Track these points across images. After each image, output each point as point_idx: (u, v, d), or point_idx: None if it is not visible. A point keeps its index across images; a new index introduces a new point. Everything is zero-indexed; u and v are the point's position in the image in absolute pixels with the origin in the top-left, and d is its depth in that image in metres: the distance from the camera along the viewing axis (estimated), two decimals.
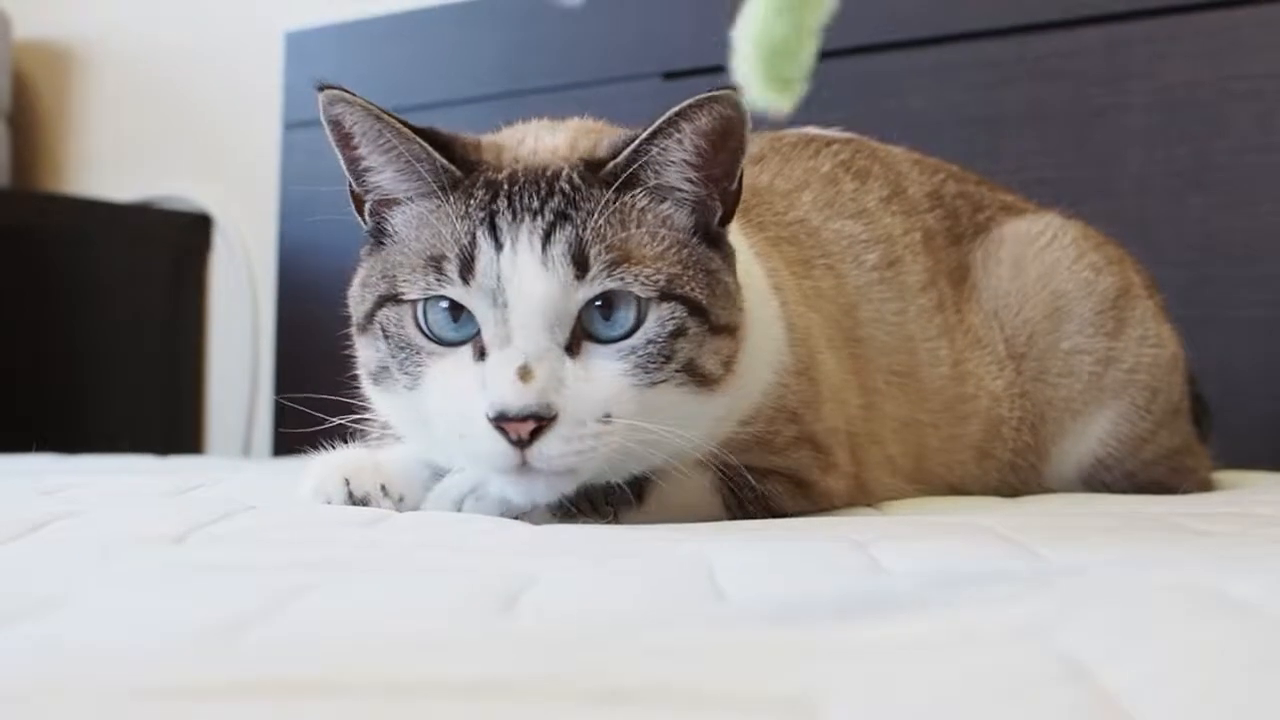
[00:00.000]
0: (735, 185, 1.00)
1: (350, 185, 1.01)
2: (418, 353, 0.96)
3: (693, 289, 0.96)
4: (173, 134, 2.86)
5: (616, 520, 0.99)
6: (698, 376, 0.97)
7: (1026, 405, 1.33)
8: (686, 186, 0.98)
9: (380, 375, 0.99)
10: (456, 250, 0.94)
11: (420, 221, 0.97)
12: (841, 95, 2.03)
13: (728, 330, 0.98)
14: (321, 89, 0.96)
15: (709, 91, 0.94)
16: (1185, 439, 1.40)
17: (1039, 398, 1.33)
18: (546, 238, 0.93)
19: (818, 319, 1.18)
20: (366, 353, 1.00)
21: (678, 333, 0.95)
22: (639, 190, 0.97)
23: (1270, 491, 1.35)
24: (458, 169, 0.97)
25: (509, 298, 0.92)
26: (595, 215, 0.94)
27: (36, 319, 2.80)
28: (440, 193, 0.97)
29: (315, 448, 1.07)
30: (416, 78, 2.39)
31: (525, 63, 2.29)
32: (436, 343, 0.95)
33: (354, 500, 1.02)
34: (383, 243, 1.00)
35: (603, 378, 0.93)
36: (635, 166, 0.96)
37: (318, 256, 2.47)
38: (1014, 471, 1.33)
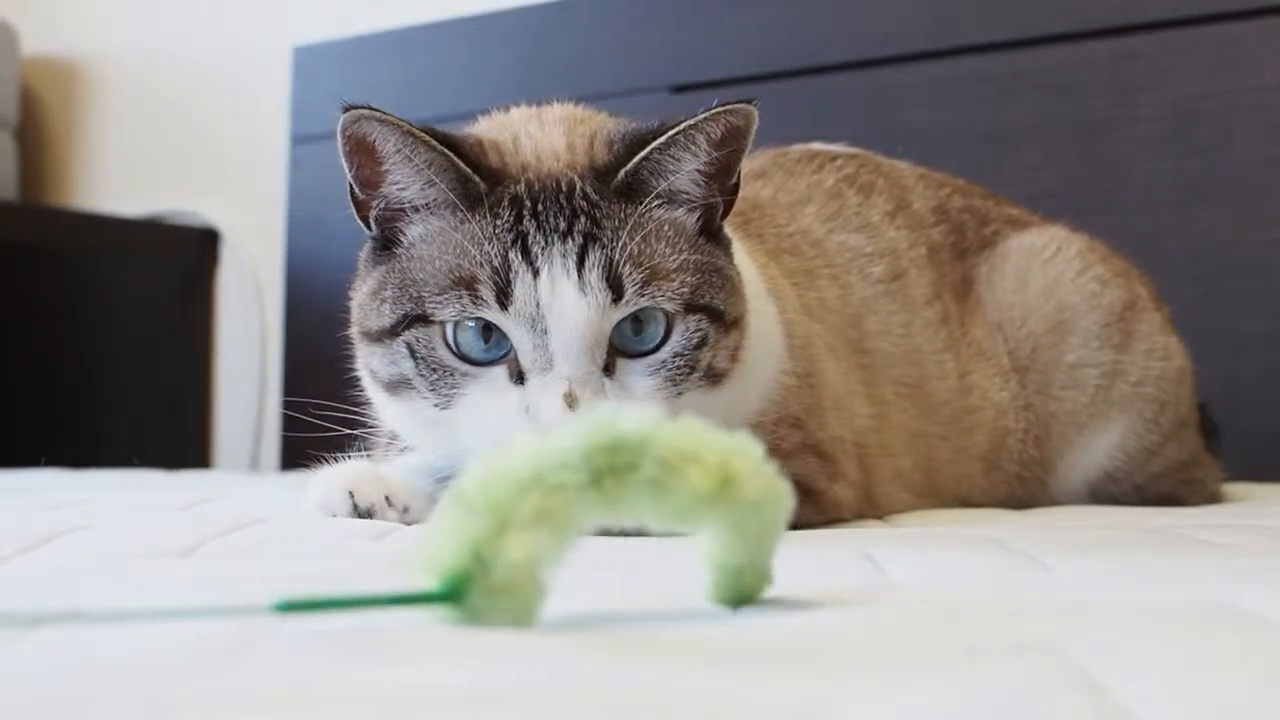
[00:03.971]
0: (735, 180, 1.01)
1: (352, 192, 1.00)
2: (451, 374, 0.95)
3: (712, 296, 0.97)
4: (180, 149, 2.87)
5: (623, 532, 0.99)
6: (712, 376, 0.98)
7: (1031, 418, 1.33)
8: (695, 190, 0.99)
9: (399, 387, 0.98)
10: (489, 273, 0.93)
11: (443, 237, 0.96)
12: (846, 110, 2.04)
13: (736, 323, 1.00)
14: (347, 109, 0.95)
15: (725, 105, 0.96)
16: (1193, 451, 1.39)
17: (1044, 411, 1.33)
18: (580, 261, 0.93)
19: (819, 329, 1.18)
20: (380, 363, 0.99)
21: (701, 343, 0.96)
22: (653, 199, 0.97)
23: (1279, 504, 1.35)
24: (481, 179, 0.96)
25: (549, 324, 0.92)
26: (622, 234, 0.94)
27: (44, 333, 2.80)
28: (463, 207, 0.96)
29: (323, 461, 1.07)
30: (425, 92, 2.40)
31: (534, 76, 2.30)
32: (469, 363, 0.95)
33: (359, 513, 1.02)
34: (392, 251, 0.99)
35: (638, 395, 0.94)
36: (645, 175, 0.97)
37: (325, 271, 2.47)
38: (1022, 484, 1.33)
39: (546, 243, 0.93)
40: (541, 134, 1.02)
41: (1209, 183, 1.80)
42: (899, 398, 1.24)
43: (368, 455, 1.12)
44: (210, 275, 2.80)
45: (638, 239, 0.95)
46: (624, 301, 0.93)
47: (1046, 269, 1.36)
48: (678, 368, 0.96)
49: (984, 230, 1.40)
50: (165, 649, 0.54)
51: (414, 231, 0.99)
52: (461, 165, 0.96)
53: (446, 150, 0.96)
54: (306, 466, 1.10)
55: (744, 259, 1.11)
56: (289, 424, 2.48)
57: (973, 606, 0.67)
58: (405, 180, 0.98)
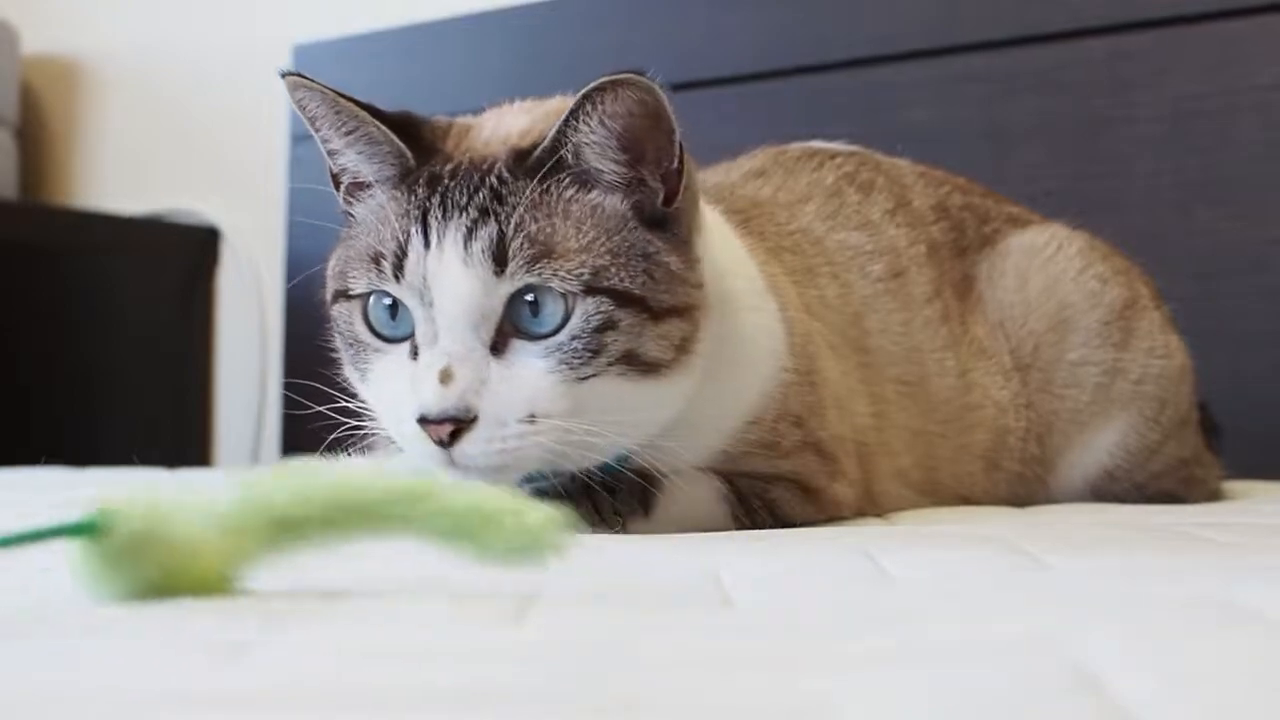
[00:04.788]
0: (675, 164, 0.98)
1: (329, 166, 1.03)
2: (365, 349, 0.98)
3: (622, 279, 0.94)
4: (181, 147, 2.87)
5: (624, 530, 0.99)
6: (641, 365, 0.95)
7: (1033, 416, 1.33)
8: (614, 170, 0.96)
9: (343, 360, 1.02)
10: (393, 247, 0.95)
11: (375, 215, 0.98)
12: (845, 109, 2.04)
13: (676, 312, 0.96)
14: (283, 76, 0.99)
15: (612, 74, 0.93)
16: (1194, 450, 1.39)
17: (1045, 409, 1.33)
18: (470, 234, 0.93)
19: (820, 327, 1.18)
20: (335, 336, 1.03)
21: (605, 326, 0.93)
22: (565, 178, 0.95)
23: None
24: (414, 155, 0.98)
25: (434, 296, 0.93)
26: (519, 208, 0.93)
27: (44, 332, 2.80)
28: (396, 182, 0.98)
29: (323, 459, 1.07)
30: (425, 90, 2.39)
31: (533, 74, 2.29)
32: (381, 339, 0.97)
33: None
34: (351, 229, 1.02)
35: (527, 376, 0.93)
36: (560, 153, 0.95)
37: (326, 269, 2.48)
38: (1022, 482, 1.33)
39: (445, 217, 0.94)
40: (515, 119, 1.02)
41: (1208, 181, 1.80)
42: (899, 396, 1.25)
43: (369, 452, 1.12)
44: (210, 273, 2.80)
45: (538, 215, 0.93)
46: (507, 275, 0.92)
47: (1047, 267, 1.36)
48: (574, 351, 0.93)
49: (984, 228, 1.40)
50: (164, 648, 0.54)
51: (360, 208, 1.01)
52: (392, 136, 0.98)
53: (375, 121, 0.98)
54: None
55: (743, 256, 1.11)
56: (289, 421, 2.48)
57: (973, 604, 0.67)
58: (340, 148, 1.00)
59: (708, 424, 1.03)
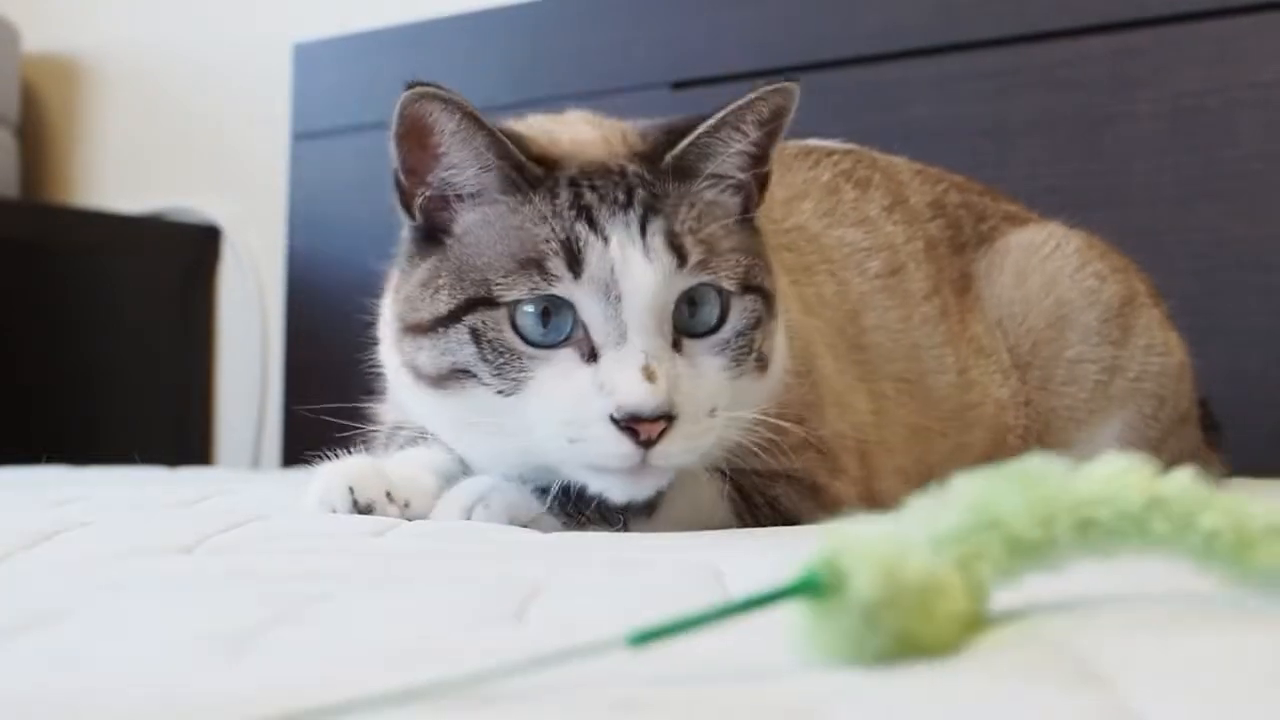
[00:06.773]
0: (768, 165, 1.02)
1: (399, 181, 1.00)
2: (518, 358, 0.94)
3: (764, 279, 0.99)
4: (181, 146, 2.87)
5: (626, 529, 0.99)
6: (761, 363, 0.99)
7: (1032, 414, 1.33)
8: (738, 174, 1.00)
9: (451, 379, 0.97)
10: (557, 247, 0.93)
11: (501, 222, 0.96)
12: (847, 106, 2.03)
13: (776, 311, 1.01)
14: (410, 86, 0.95)
15: (772, 85, 0.98)
16: (1194, 447, 1.39)
17: (1044, 406, 1.33)
18: (643, 229, 0.94)
19: (818, 324, 1.18)
20: (429, 355, 0.98)
21: (757, 324, 0.97)
22: (703, 181, 0.98)
23: None
24: (537, 166, 0.97)
25: (623, 290, 0.92)
26: (680, 207, 0.96)
27: (45, 331, 2.80)
28: (521, 191, 0.97)
29: (324, 457, 1.07)
30: None
31: (533, 73, 2.30)
32: (535, 347, 0.94)
33: (359, 508, 1.01)
34: (440, 242, 0.99)
35: (708, 373, 0.95)
36: (694, 158, 0.98)
37: (326, 268, 2.48)
38: None
39: (610, 213, 0.95)
40: (572, 131, 1.04)
41: (1209, 178, 1.80)
42: (898, 393, 1.25)
43: (369, 450, 1.12)
44: (211, 272, 2.80)
45: (694, 214, 0.96)
46: (688, 268, 0.94)
47: (1045, 265, 1.37)
48: (739, 348, 0.96)
49: (981, 226, 1.40)
50: (164, 650, 0.54)
51: (467, 219, 0.99)
52: (515, 152, 0.97)
53: (504, 137, 0.97)
54: (308, 463, 1.10)
55: None
56: (290, 419, 2.48)
57: None
58: (461, 163, 0.98)
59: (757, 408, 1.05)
